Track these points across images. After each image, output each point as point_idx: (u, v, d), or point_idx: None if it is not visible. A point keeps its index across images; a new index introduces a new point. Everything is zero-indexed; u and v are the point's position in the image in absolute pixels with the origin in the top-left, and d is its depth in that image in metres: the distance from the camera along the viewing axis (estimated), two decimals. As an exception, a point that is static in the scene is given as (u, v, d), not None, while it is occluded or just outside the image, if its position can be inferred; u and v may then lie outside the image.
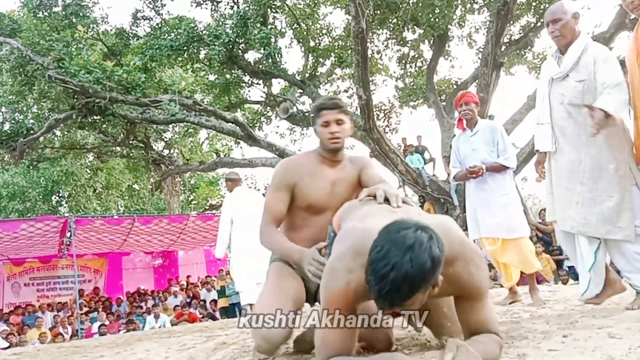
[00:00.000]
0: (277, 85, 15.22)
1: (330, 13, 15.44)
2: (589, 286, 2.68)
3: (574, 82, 2.56)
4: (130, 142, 13.81)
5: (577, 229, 2.60)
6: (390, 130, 15.45)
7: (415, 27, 13.01)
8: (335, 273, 1.57)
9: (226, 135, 14.89)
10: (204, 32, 11.15)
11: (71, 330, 9.43)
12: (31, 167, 15.36)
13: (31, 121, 13.16)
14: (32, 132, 11.82)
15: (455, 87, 14.38)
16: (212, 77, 13.72)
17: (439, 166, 12.99)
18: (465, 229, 10.84)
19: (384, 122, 15.39)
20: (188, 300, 11.21)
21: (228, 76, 12.74)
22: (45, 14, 12.21)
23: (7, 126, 12.75)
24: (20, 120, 13.22)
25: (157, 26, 12.50)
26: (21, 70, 11.03)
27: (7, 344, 7.88)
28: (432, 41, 13.59)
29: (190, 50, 11.22)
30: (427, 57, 14.35)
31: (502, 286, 6.35)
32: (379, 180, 2.15)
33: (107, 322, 9.58)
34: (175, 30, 11.21)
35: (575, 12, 2.64)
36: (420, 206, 13.07)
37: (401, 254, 1.32)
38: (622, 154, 2.49)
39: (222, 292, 10.08)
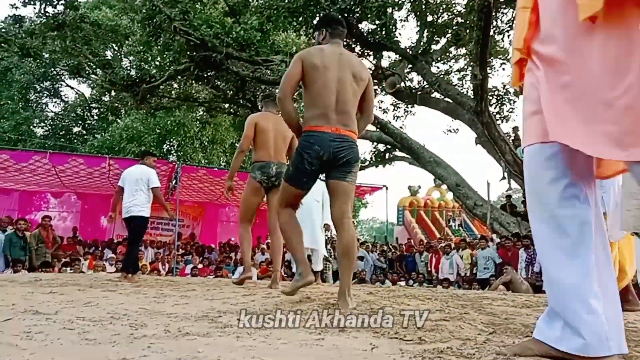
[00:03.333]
0: (387, 59, 14.86)
1: (455, -13, 14.59)
2: None
3: None
4: (239, 99, 14.31)
5: None
6: (501, 117, 14.52)
7: (546, 8, 11.90)
8: None
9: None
10: (322, -4, 11.08)
11: (167, 267, 10.16)
12: (149, 114, 16.56)
13: (154, 70, 14.10)
14: (153, 80, 12.67)
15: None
16: (323, 44, 13.68)
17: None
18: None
19: (495, 107, 14.48)
20: (274, 258, 11.55)
21: (340, 44, 12.68)
22: (177, -33, 12.86)
23: (132, 72, 13.76)
24: (145, 69, 14.22)
25: (277, -13, 12.66)
26: (150, 21, 11.76)
27: (114, 269, 8.72)
28: (563, 26, 12.40)
29: (306, 14, 11.23)
30: (554, 42, 13.16)
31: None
32: None
33: (199, 266, 10.18)
34: (294, -7, 11.27)
35: None
36: (523, 202, 12.21)
37: None
38: None
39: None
